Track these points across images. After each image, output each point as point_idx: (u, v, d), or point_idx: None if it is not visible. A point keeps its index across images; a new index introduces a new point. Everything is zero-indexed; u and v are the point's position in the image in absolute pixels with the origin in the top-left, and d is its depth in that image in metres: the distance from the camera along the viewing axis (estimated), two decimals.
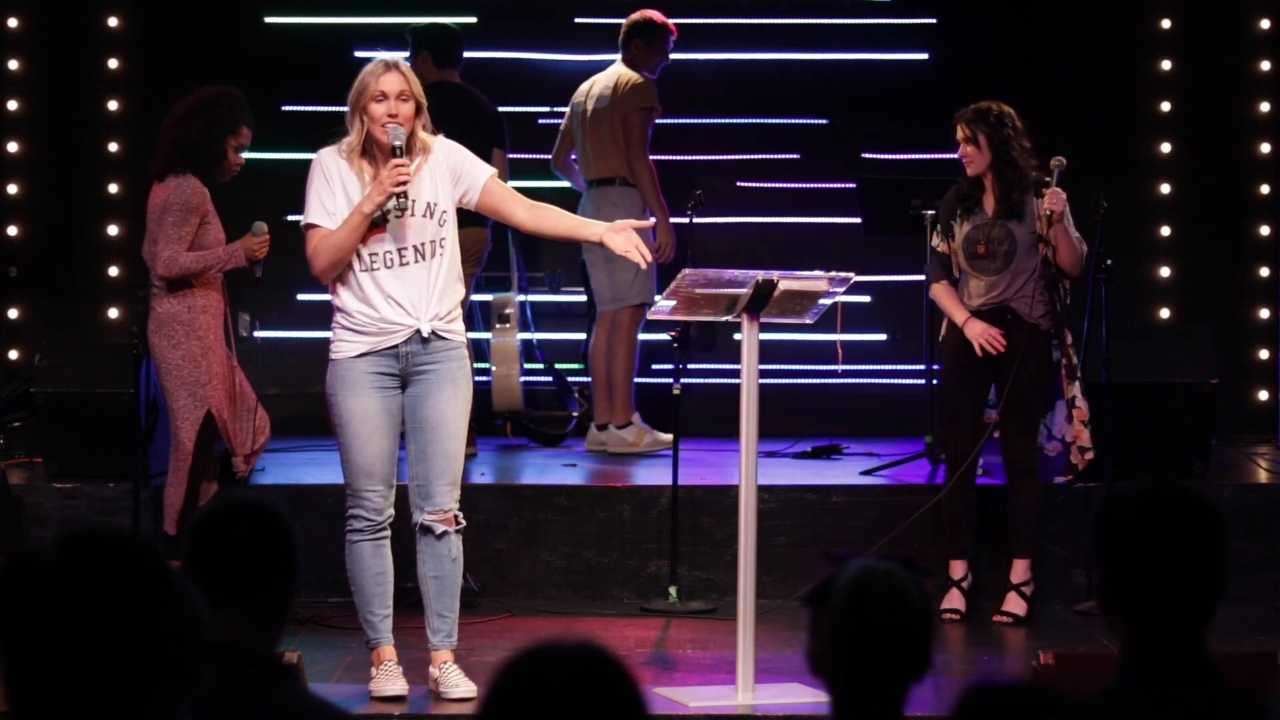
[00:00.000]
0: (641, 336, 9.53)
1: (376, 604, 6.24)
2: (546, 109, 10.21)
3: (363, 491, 6.15)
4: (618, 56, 9.44)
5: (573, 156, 9.48)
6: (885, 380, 10.08)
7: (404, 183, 6.01)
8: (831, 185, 10.20)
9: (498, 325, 9.90)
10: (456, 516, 6.19)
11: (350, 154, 6.13)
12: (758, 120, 10.47)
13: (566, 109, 9.49)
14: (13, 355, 10.30)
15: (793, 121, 10.40)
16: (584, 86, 9.42)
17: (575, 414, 9.92)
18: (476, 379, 10.16)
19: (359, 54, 9.98)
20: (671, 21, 9.46)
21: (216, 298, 7.34)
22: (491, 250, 9.41)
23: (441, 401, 6.15)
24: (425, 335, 6.10)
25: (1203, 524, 2.95)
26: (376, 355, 6.11)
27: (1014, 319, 7.46)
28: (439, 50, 9.29)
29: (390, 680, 6.23)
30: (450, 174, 6.18)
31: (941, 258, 7.57)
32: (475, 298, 10.22)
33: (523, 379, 9.86)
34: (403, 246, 6.09)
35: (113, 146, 10.43)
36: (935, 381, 7.68)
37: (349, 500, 6.20)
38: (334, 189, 6.12)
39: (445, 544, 6.20)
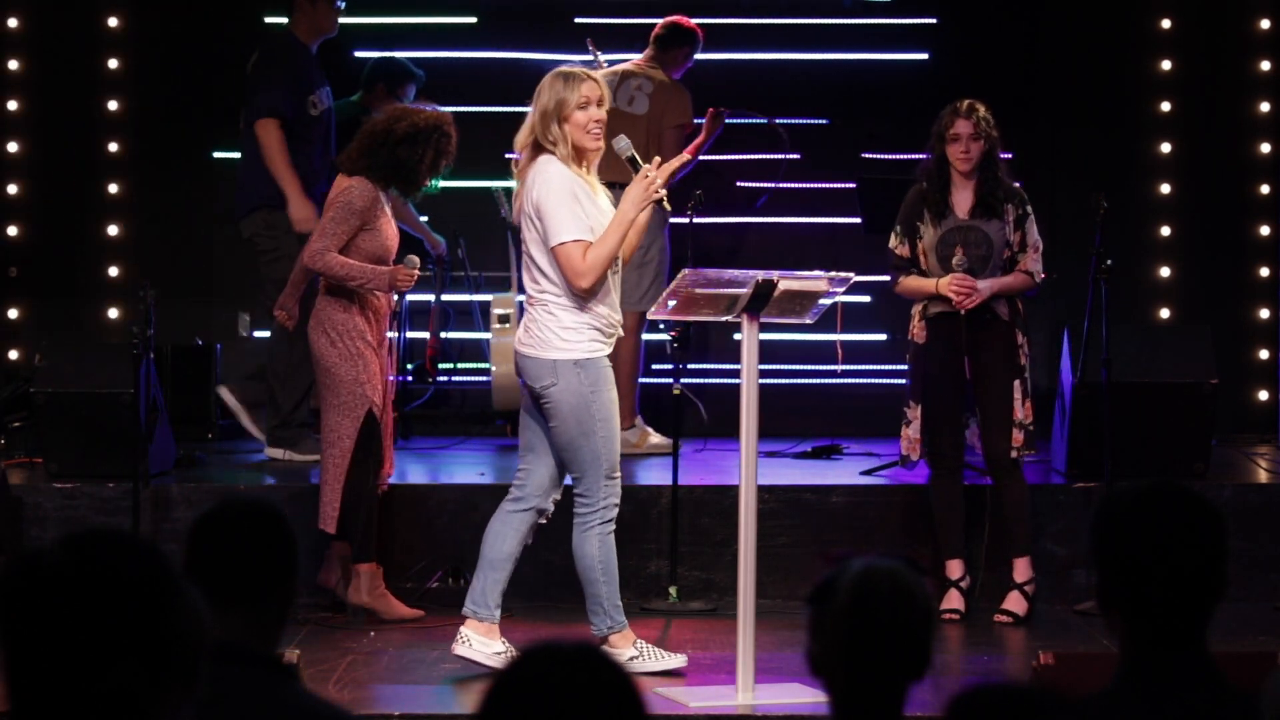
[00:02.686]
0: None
1: (617, 589, 6.46)
2: None
3: (619, 481, 6.41)
4: (634, 56, 9.42)
5: None
6: (885, 380, 10.08)
7: (659, 188, 6.28)
8: (831, 185, 10.20)
9: (497, 325, 9.89)
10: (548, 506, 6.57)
11: (568, 164, 6.37)
12: (758, 120, 10.47)
13: None
14: (13, 355, 10.30)
15: (793, 121, 10.40)
16: (608, 80, 9.33)
17: None
18: (477, 379, 10.23)
19: (359, 54, 10.00)
20: (693, 22, 9.47)
21: (377, 306, 7.36)
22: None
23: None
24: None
25: (1202, 524, 2.96)
26: (607, 356, 6.44)
27: (991, 318, 7.46)
28: (391, 82, 9.35)
29: (665, 657, 6.49)
30: None
31: (898, 258, 7.54)
32: (476, 297, 10.23)
33: None
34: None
35: (113, 146, 10.43)
36: (906, 381, 7.66)
37: (603, 491, 6.39)
38: (581, 201, 6.35)
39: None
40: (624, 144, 6.38)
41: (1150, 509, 2.95)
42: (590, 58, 9.62)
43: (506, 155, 10.36)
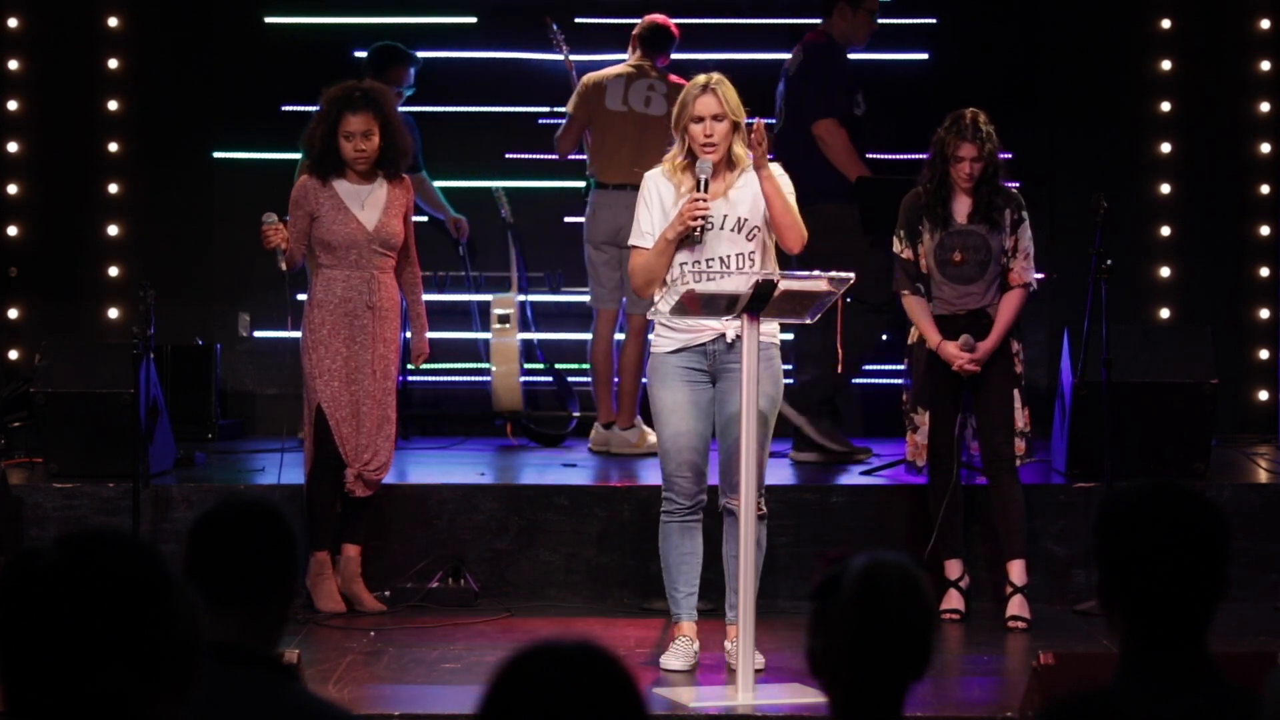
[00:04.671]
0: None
1: (681, 581, 6.61)
2: (546, 109, 10.21)
3: (674, 476, 6.55)
4: (626, 56, 9.41)
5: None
6: (885, 380, 10.07)
7: (699, 218, 6.38)
8: None
9: (497, 325, 9.90)
10: (760, 504, 6.40)
11: (674, 166, 6.55)
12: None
13: (568, 107, 9.40)
14: (13, 355, 10.30)
15: None
16: (615, 82, 9.32)
17: (575, 414, 9.92)
18: (477, 379, 10.23)
19: (359, 54, 9.99)
20: (672, 21, 9.49)
21: (337, 295, 7.38)
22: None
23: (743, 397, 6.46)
24: (730, 340, 6.45)
25: (1204, 524, 2.96)
26: (688, 351, 6.52)
27: (989, 323, 7.46)
28: (377, 71, 9.32)
29: (678, 656, 6.59)
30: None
31: (906, 264, 7.54)
32: (475, 298, 10.23)
33: (523, 379, 9.86)
34: (710, 258, 6.48)
35: (113, 146, 10.43)
36: (906, 381, 7.66)
37: (664, 484, 6.58)
38: (652, 209, 6.56)
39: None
40: (703, 166, 6.46)
41: (1153, 508, 2.95)
42: (560, 56, 9.64)
43: (507, 155, 10.47)
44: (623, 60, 9.44)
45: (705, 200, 6.41)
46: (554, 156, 9.62)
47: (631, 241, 6.63)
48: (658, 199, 6.56)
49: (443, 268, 10.15)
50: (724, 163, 6.52)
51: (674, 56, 9.44)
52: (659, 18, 9.41)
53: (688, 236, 6.45)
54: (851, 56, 10.51)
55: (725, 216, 6.50)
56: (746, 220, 6.52)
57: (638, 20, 9.59)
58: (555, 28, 9.69)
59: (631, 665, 2.32)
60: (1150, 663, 2.93)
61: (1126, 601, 2.95)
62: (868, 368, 10.19)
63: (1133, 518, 2.95)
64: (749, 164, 6.51)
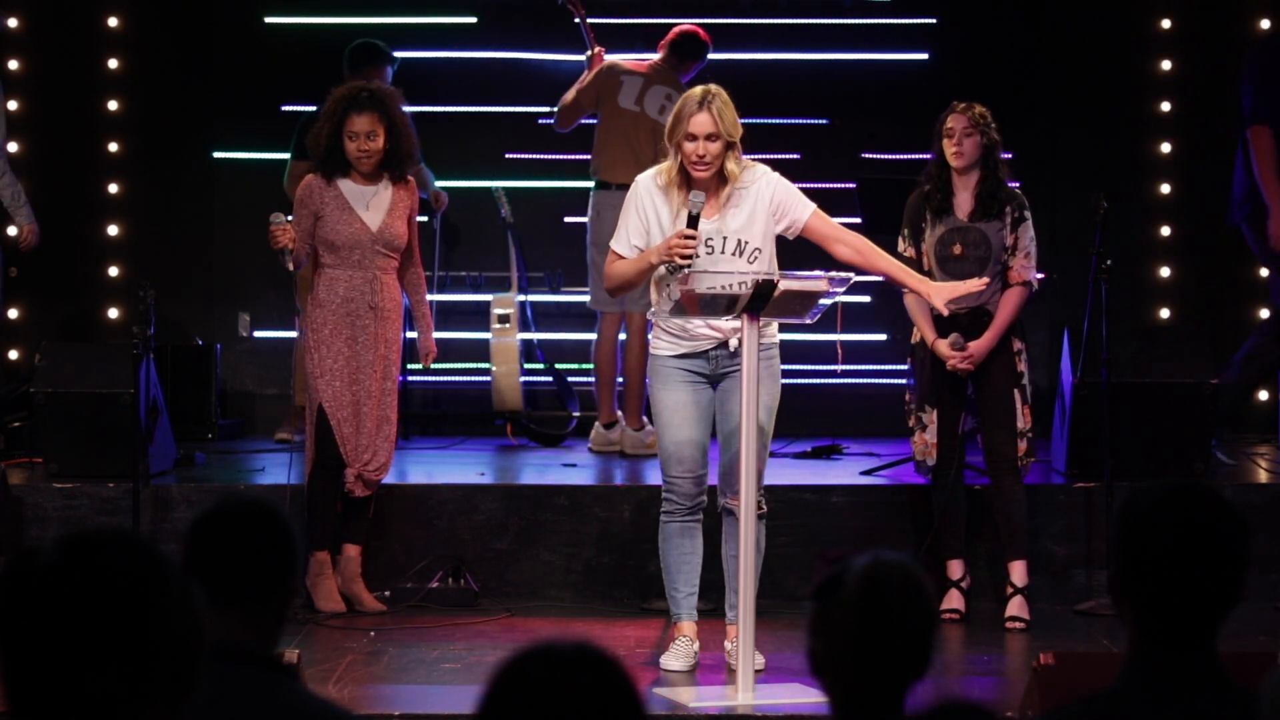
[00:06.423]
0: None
1: (680, 581, 6.63)
2: (546, 109, 10.21)
3: (673, 476, 6.55)
4: (638, 57, 9.40)
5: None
6: (885, 380, 10.08)
7: (686, 258, 6.28)
8: (832, 185, 10.18)
9: (497, 325, 9.90)
10: (760, 503, 6.38)
11: (667, 181, 6.46)
12: (758, 120, 10.45)
13: (582, 80, 9.36)
14: (13, 355, 10.30)
15: (793, 121, 10.40)
16: (633, 79, 9.30)
17: (575, 414, 9.93)
18: (477, 379, 10.23)
19: None
20: (671, 22, 9.49)
21: (340, 295, 7.38)
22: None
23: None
24: (733, 349, 6.44)
25: (1225, 528, 2.98)
26: (689, 356, 6.53)
27: (990, 321, 7.46)
28: (353, 73, 9.28)
29: (678, 656, 6.60)
30: (772, 209, 6.49)
31: (909, 263, 7.54)
32: (474, 297, 10.23)
33: (523, 379, 9.86)
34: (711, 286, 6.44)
35: (113, 146, 10.43)
36: (910, 381, 7.66)
37: (664, 484, 6.60)
38: (644, 215, 6.48)
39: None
40: (695, 201, 6.36)
41: (1176, 509, 2.96)
42: (588, 52, 9.62)
43: (507, 155, 10.48)
44: (639, 59, 9.44)
45: (694, 238, 6.31)
46: (555, 156, 9.62)
47: (613, 244, 6.57)
48: (651, 208, 6.46)
49: (443, 268, 10.15)
50: (715, 180, 6.44)
51: None
52: (698, 30, 9.38)
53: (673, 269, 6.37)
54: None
55: (725, 239, 6.44)
56: (746, 243, 6.44)
57: (642, 20, 9.61)
58: (589, 37, 9.62)
59: (631, 665, 2.32)
60: (1157, 663, 2.93)
61: (1140, 598, 2.95)
62: (868, 367, 10.22)
63: (1155, 516, 2.96)
64: (745, 181, 6.45)
